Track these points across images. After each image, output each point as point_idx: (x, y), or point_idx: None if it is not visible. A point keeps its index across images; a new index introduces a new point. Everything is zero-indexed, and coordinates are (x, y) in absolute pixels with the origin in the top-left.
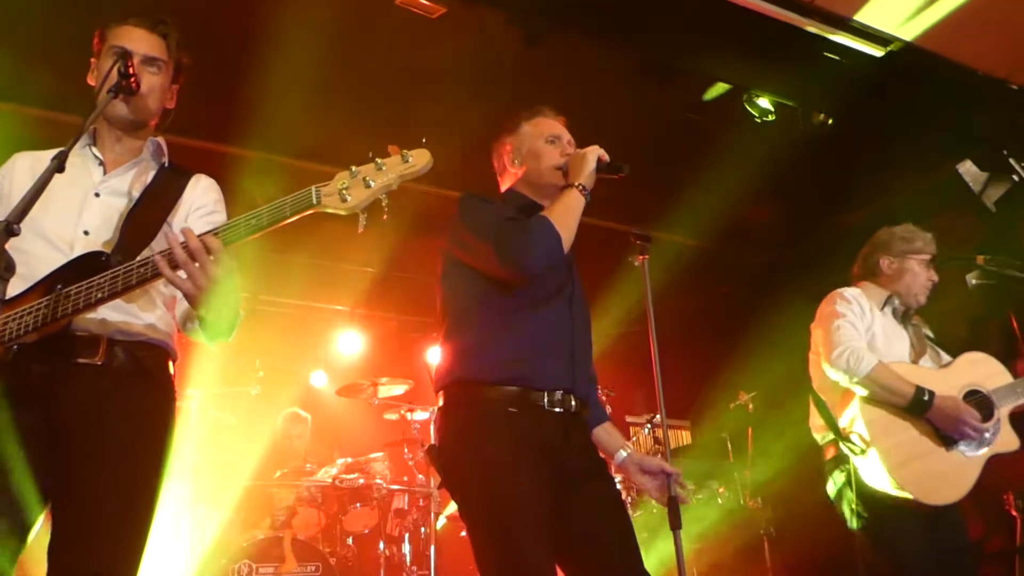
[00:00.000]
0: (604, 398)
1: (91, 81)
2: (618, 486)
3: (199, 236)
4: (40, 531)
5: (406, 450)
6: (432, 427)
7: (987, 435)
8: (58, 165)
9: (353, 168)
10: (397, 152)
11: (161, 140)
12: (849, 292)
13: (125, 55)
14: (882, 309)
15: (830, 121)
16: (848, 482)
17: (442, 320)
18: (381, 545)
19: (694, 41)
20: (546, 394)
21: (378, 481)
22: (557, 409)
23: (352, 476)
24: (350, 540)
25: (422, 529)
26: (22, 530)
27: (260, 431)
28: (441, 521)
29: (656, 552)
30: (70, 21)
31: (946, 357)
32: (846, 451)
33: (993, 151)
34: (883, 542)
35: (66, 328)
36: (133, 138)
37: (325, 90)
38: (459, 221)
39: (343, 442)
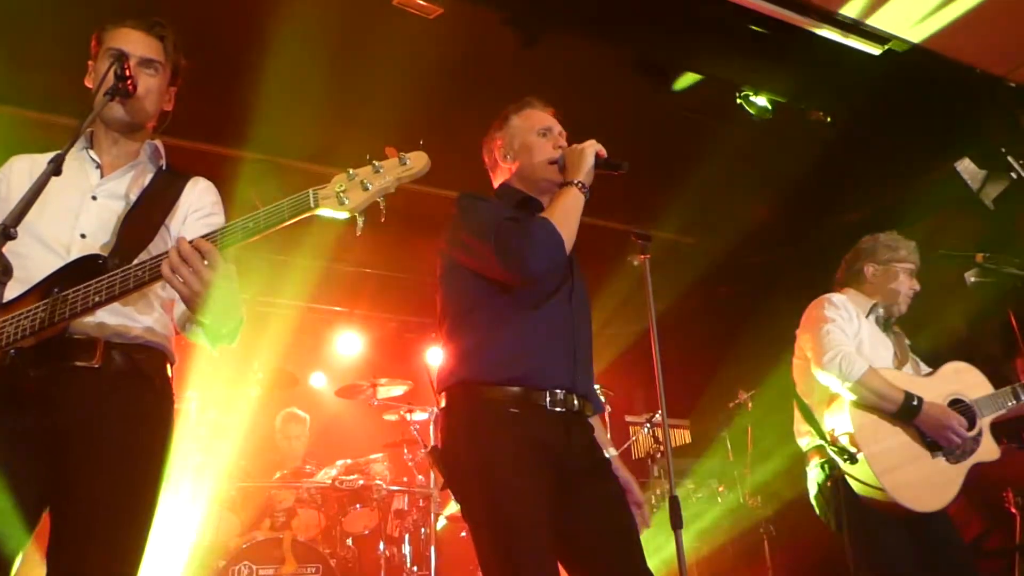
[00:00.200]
0: (603, 397)
1: (88, 83)
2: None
3: (193, 240)
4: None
5: (406, 451)
6: (431, 427)
7: (970, 444)
8: (55, 168)
9: (350, 171)
10: (394, 154)
11: (159, 143)
12: (837, 298)
13: (122, 57)
14: (867, 316)
15: (828, 119)
16: (835, 487)
17: (442, 321)
18: (381, 546)
19: (692, 39)
20: (547, 394)
21: (378, 482)
22: (559, 409)
23: (352, 477)
24: (350, 541)
25: (422, 530)
26: (20, 534)
27: (259, 432)
28: (441, 522)
29: (656, 551)
30: (67, 23)
31: (924, 367)
32: (834, 456)
33: (991, 149)
34: (869, 548)
35: (63, 332)
36: (130, 141)
37: (322, 91)
38: (458, 223)
39: (343, 443)
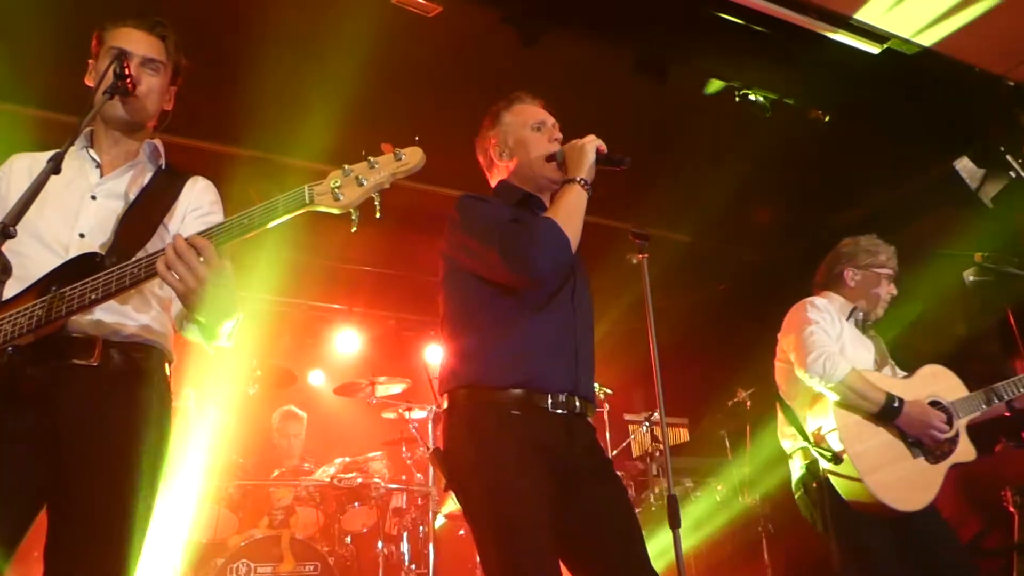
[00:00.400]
0: (602, 396)
1: (89, 82)
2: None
3: (189, 236)
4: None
5: (404, 449)
6: (430, 425)
7: (948, 444)
8: (54, 167)
9: (346, 166)
10: (390, 150)
11: (158, 142)
12: (819, 301)
13: (122, 56)
14: (847, 319)
15: (827, 118)
16: (819, 488)
17: (444, 323)
18: (379, 544)
19: (691, 38)
20: (550, 396)
21: (376, 480)
22: (560, 411)
23: (350, 475)
24: (348, 539)
25: (420, 528)
26: (16, 532)
27: (258, 430)
28: (439, 520)
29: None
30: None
31: (900, 371)
32: (818, 457)
33: (991, 147)
34: (854, 549)
35: (61, 330)
36: (130, 140)
37: (320, 89)
38: (460, 226)
39: (341, 441)
